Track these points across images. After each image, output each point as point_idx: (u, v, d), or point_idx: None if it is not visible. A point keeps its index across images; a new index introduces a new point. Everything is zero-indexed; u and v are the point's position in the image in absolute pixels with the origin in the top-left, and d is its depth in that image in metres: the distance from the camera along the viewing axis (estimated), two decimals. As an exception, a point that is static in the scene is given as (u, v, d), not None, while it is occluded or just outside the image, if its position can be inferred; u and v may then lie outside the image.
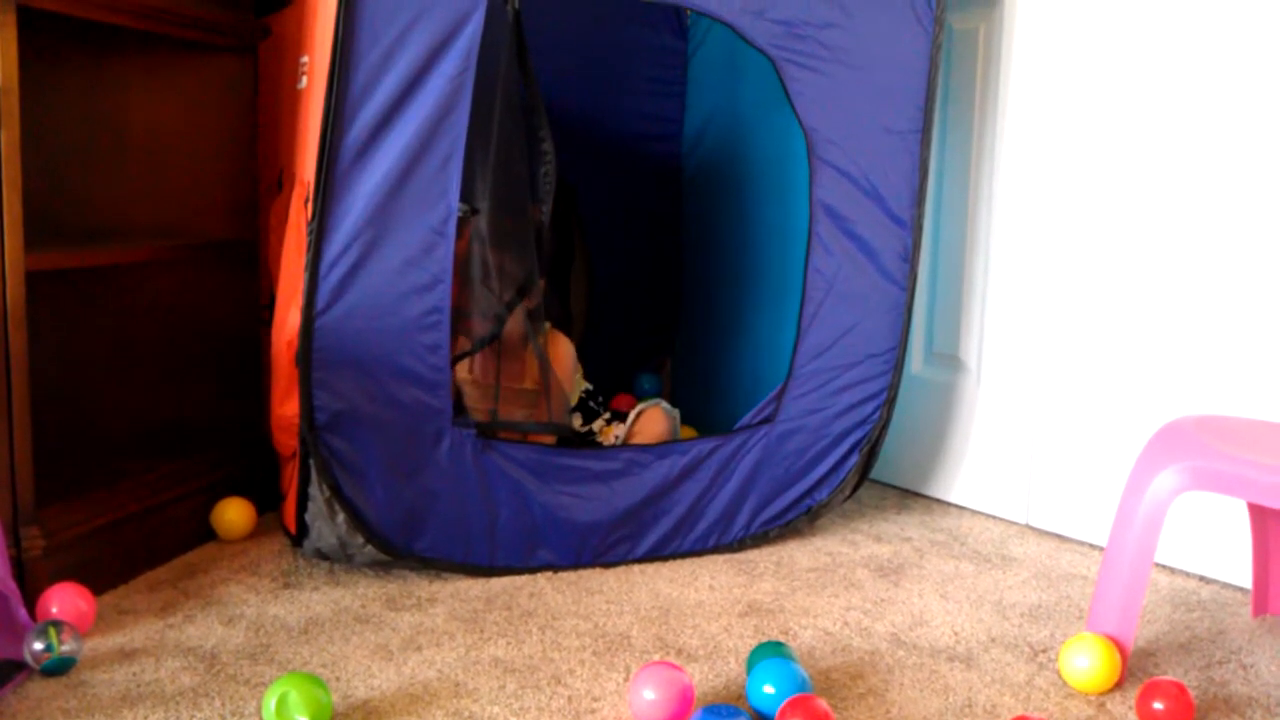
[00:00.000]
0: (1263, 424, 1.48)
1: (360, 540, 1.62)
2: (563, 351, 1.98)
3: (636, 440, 1.94)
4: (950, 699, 1.36)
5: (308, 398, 1.57)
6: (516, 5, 1.60)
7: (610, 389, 2.18)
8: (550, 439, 1.82)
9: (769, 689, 1.28)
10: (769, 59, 1.76)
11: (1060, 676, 1.41)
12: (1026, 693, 1.38)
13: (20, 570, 1.46)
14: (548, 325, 1.99)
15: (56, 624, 1.34)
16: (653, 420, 1.95)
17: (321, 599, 1.61)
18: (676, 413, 2.01)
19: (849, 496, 1.95)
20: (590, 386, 2.07)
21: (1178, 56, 1.78)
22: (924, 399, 2.21)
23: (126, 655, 1.41)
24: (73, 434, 1.85)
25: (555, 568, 1.75)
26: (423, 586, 1.67)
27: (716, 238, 2.41)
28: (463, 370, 1.83)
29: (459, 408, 1.87)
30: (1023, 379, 2.04)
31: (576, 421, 2.01)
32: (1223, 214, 1.75)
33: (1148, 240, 1.84)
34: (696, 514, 1.82)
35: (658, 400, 2.00)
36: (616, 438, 1.96)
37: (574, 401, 2.02)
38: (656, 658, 1.45)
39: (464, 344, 1.75)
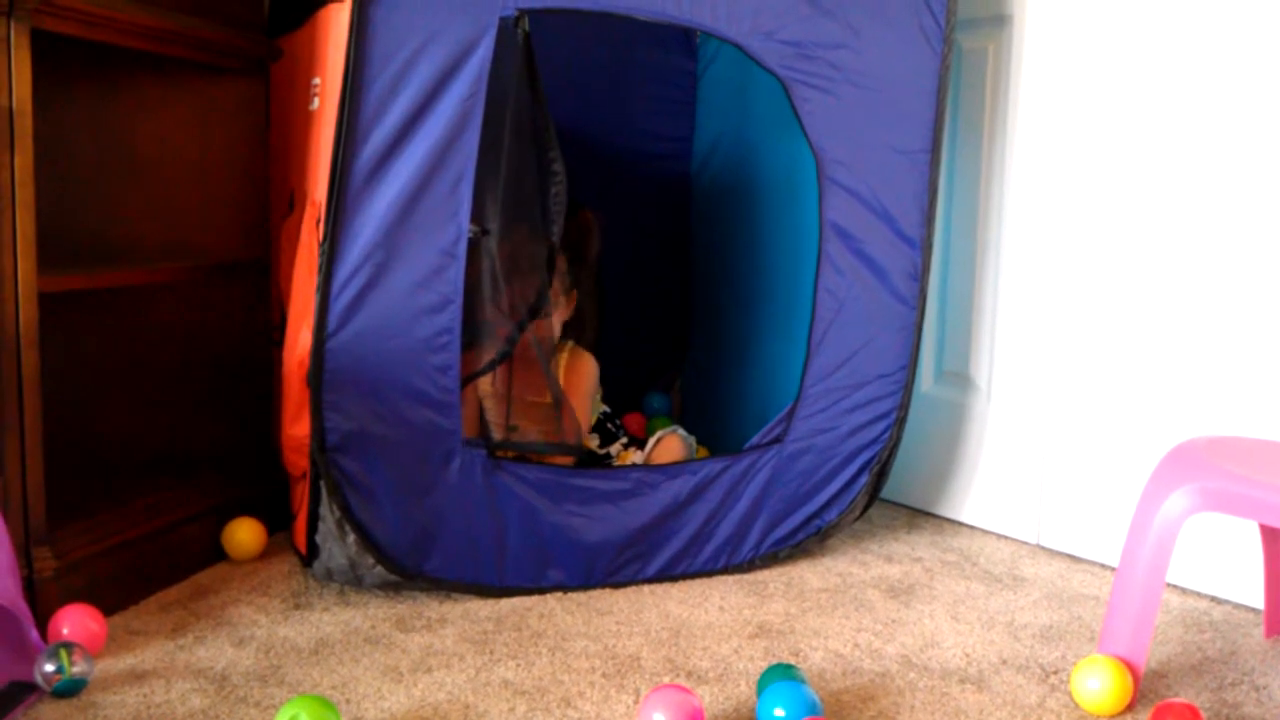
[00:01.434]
0: (1275, 445, 1.48)
1: (370, 561, 1.62)
2: (587, 370, 1.98)
3: None
4: (962, 722, 1.35)
5: (319, 419, 1.57)
6: (526, 27, 1.61)
7: (620, 408, 2.18)
8: (566, 459, 1.82)
9: (779, 712, 1.27)
10: (778, 80, 1.76)
11: (1072, 698, 1.40)
12: (1038, 715, 1.37)
13: (31, 591, 1.46)
14: (570, 343, 1.99)
15: (67, 645, 1.34)
16: (670, 448, 1.94)
17: (332, 620, 1.61)
18: (693, 440, 2.01)
19: (859, 516, 1.95)
20: (608, 409, 2.07)
21: (1190, 74, 1.78)
22: (934, 418, 2.20)
23: (137, 677, 1.41)
24: (84, 454, 1.86)
25: (565, 588, 1.74)
26: (433, 607, 1.67)
27: (726, 257, 2.41)
28: (485, 384, 1.84)
29: (481, 422, 1.87)
30: (1034, 398, 2.03)
31: (594, 443, 2.01)
32: (1234, 231, 1.74)
33: (1160, 259, 1.83)
34: (706, 534, 1.82)
35: (675, 428, 2.00)
36: (634, 464, 1.96)
37: (592, 422, 2.02)
38: (667, 680, 1.44)
39: (488, 357, 1.75)
